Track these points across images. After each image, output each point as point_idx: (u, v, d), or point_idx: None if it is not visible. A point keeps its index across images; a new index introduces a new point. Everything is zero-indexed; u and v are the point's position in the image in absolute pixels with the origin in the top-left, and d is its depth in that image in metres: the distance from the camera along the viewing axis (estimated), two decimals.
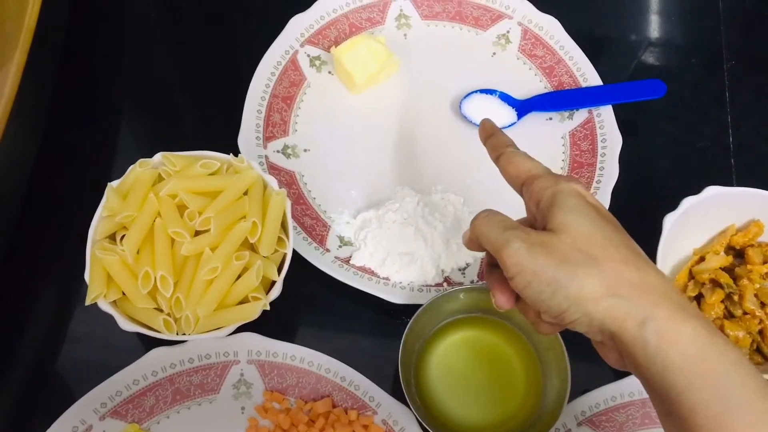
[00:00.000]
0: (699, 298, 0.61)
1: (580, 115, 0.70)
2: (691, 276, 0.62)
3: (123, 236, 0.56)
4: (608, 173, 0.66)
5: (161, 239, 0.55)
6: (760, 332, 0.59)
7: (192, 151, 0.59)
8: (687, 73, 0.75)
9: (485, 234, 0.44)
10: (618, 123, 0.69)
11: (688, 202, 0.60)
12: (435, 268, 0.63)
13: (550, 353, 0.58)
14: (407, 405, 0.56)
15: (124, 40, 0.75)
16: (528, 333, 0.60)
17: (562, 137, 0.70)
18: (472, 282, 0.63)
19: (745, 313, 0.59)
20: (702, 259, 0.62)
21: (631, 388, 0.59)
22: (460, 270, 0.64)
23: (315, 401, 0.58)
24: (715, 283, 0.60)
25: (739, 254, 0.63)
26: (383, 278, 0.62)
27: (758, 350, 0.60)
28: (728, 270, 0.61)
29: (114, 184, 0.57)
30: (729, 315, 0.60)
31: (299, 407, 0.58)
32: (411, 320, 0.57)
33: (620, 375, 0.59)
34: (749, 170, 0.71)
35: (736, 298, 0.59)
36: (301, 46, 0.71)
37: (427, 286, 0.62)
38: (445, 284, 0.62)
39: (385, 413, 0.58)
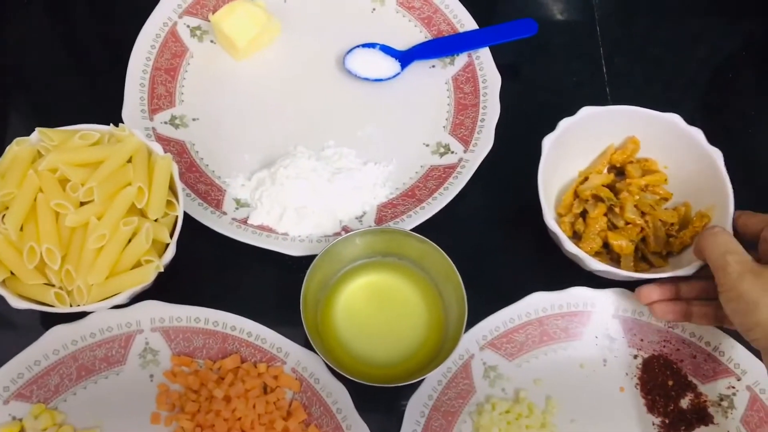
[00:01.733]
0: (584, 215, 0.64)
1: (461, 59, 0.72)
2: (577, 195, 0.65)
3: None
4: (491, 111, 0.69)
5: (44, 213, 0.54)
6: (643, 240, 0.63)
7: (70, 126, 0.58)
8: (558, 12, 0.78)
9: (708, 250, 0.54)
10: (497, 65, 0.71)
11: (564, 123, 0.63)
12: (332, 218, 0.64)
13: (448, 285, 0.60)
14: (316, 352, 0.57)
15: (1, 19, 0.73)
16: (426, 269, 0.61)
17: (446, 83, 0.72)
18: (369, 227, 0.64)
19: (627, 223, 0.63)
20: (586, 179, 0.65)
21: (527, 308, 0.61)
22: (357, 218, 0.65)
23: (224, 359, 0.58)
24: (597, 198, 0.63)
25: (620, 172, 0.67)
26: (282, 234, 0.63)
27: (643, 258, 0.63)
28: (611, 187, 0.65)
29: None
30: (613, 227, 0.63)
31: (208, 367, 0.58)
32: (309, 269, 0.58)
33: (514, 300, 0.62)
34: (624, 100, 0.74)
35: (617, 210, 0.63)
36: (180, 17, 0.71)
37: (325, 236, 0.63)
38: (343, 233, 0.64)
39: (294, 362, 0.59)
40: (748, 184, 0.64)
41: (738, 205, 0.60)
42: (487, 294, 0.61)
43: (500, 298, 0.62)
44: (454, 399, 0.59)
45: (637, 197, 0.64)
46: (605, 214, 0.63)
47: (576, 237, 0.64)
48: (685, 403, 0.60)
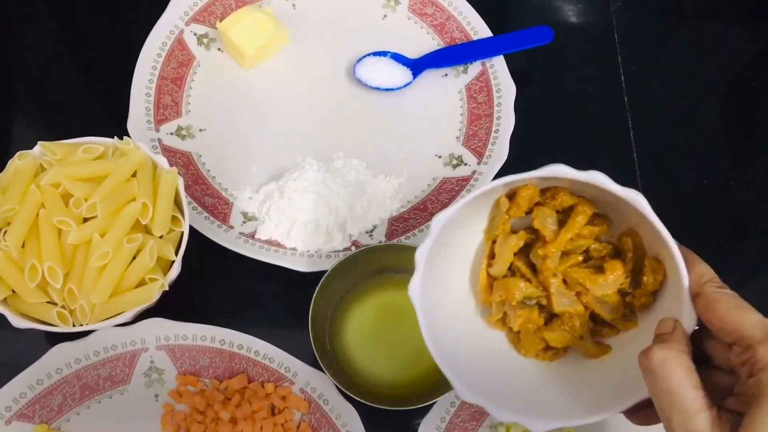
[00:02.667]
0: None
1: (474, 68, 0.70)
2: (492, 280, 0.46)
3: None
4: (505, 122, 0.67)
5: (47, 230, 0.53)
6: (592, 317, 0.45)
7: (73, 139, 0.57)
8: (574, 17, 0.76)
9: (651, 396, 0.36)
10: (512, 73, 0.69)
11: (422, 253, 0.44)
12: (341, 233, 0.62)
13: None
14: (325, 372, 0.55)
15: (5, 29, 0.72)
16: None
17: (459, 92, 0.70)
18: (380, 242, 0.62)
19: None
20: (495, 248, 0.46)
21: None
22: (367, 233, 0.63)
23: (230, 379, 0.57)
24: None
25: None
26: (290, 249, 0.62)
27: (607, 323, 0.45)
28: (528, 248, 0.46)
29: None
30: (551, 316, 0.46)
31: (214, 387, 0.57)
32: (318, 285, 0.56)
33: None
34: (643, 107, 0.72)
35: (544, 301, 0.45)
36: (187, 24, 0.70)
37: (335, 251, 0.62)
38: (353, 248, 0.62)
39: (302, 382, 0.57)
40: None
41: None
42: None
43: None
44: (468, 421, 0.57)
45: (562, 268, 0.44)
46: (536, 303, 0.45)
47: (515, 333, 0.46)
48: None
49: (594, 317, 0.45)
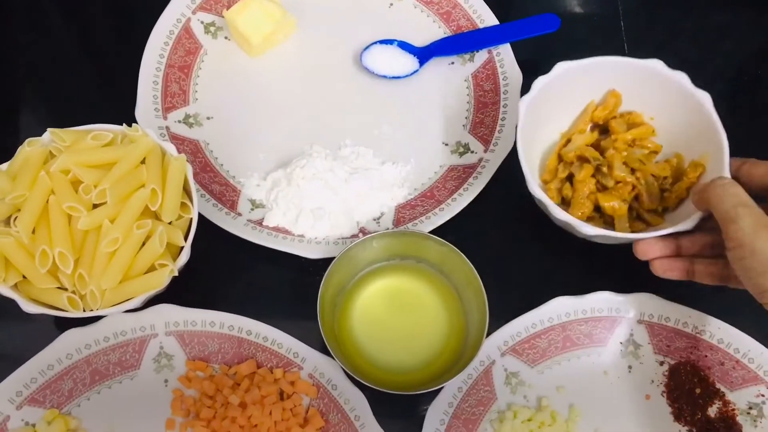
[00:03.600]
0: (571, 179, 0.61)
1: (481, 56, 0.70)
2: (561, 159, 0.62)
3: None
4: (511, 110, 0.67)
5: (57, 216, 0.53)
6: (636, 198, 0.60)
7: (82, 126, 0.57)
8: (581, 6, 0.76)
9: (716, 201, 0.49)
10: (518, 61, 0.70)
11: (540, 82, 0.59)
12: (349, 220, 0.62)
13: (469, 290, 0.58)
14: (333, 357, 0.56)
15: (13, 18, 0.72)
16: (446, 273, 0.60)
17: (465, 80, 0.70)
18: (387, 229, 0.63)
19: (617, 183, 0.60)
20: (569, 141, 0.63)
21: (550, 314, 0.60)
22: (374, 219, 0.63)
23: (239, 364, 0.57)
24: (583, 159, 0.61)
25: (604, 130, 0.64)
26: (298, 235, 0.62)
27: (638, 217, 0.61)
28: (596, 146, 0.62)
29: (3, 167, 0.55)
30: (602, 188, 0.60)
31: (223, 372, 0.57)
32: (326, 272, 0.56)
33: (536, 304, 0.60)
34: None
35: (605, 169, 0.60)
36: (193, 13, 0.70)
37: (342, 238, 0.62)
38: (360, 235, 0.62)
39: (311, 367, 0.57)
40: None
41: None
42: (508, 298, 0.60)
43: (522, 303, 0.60)
44: (475, 406, 0.57)
45: (625, 153, 0.60)
46: (593, 176, 0.60)
47: (564, 203, 0.61)
48: (712, 411, 0.58)
49: (631, 212, 0.60)
